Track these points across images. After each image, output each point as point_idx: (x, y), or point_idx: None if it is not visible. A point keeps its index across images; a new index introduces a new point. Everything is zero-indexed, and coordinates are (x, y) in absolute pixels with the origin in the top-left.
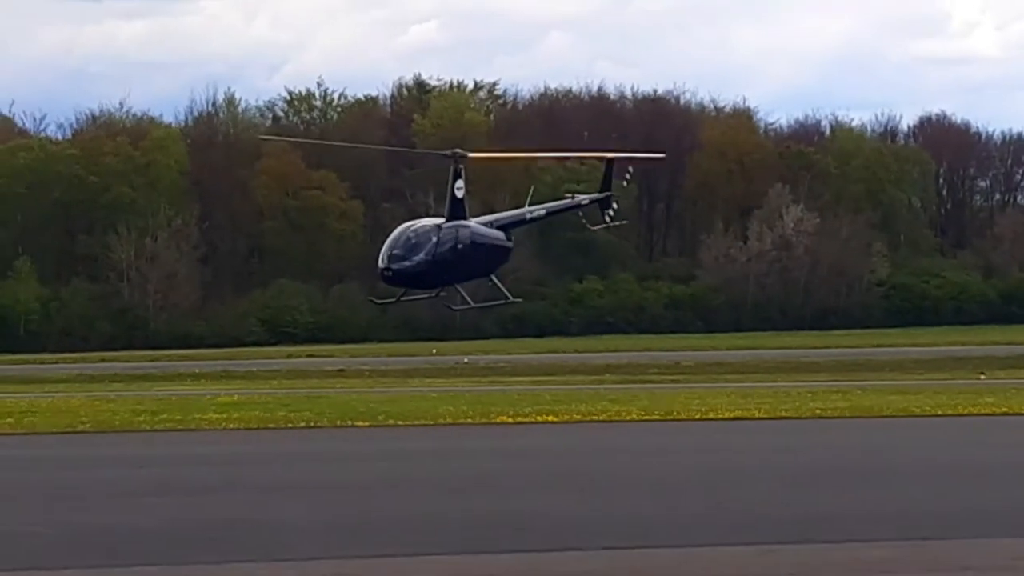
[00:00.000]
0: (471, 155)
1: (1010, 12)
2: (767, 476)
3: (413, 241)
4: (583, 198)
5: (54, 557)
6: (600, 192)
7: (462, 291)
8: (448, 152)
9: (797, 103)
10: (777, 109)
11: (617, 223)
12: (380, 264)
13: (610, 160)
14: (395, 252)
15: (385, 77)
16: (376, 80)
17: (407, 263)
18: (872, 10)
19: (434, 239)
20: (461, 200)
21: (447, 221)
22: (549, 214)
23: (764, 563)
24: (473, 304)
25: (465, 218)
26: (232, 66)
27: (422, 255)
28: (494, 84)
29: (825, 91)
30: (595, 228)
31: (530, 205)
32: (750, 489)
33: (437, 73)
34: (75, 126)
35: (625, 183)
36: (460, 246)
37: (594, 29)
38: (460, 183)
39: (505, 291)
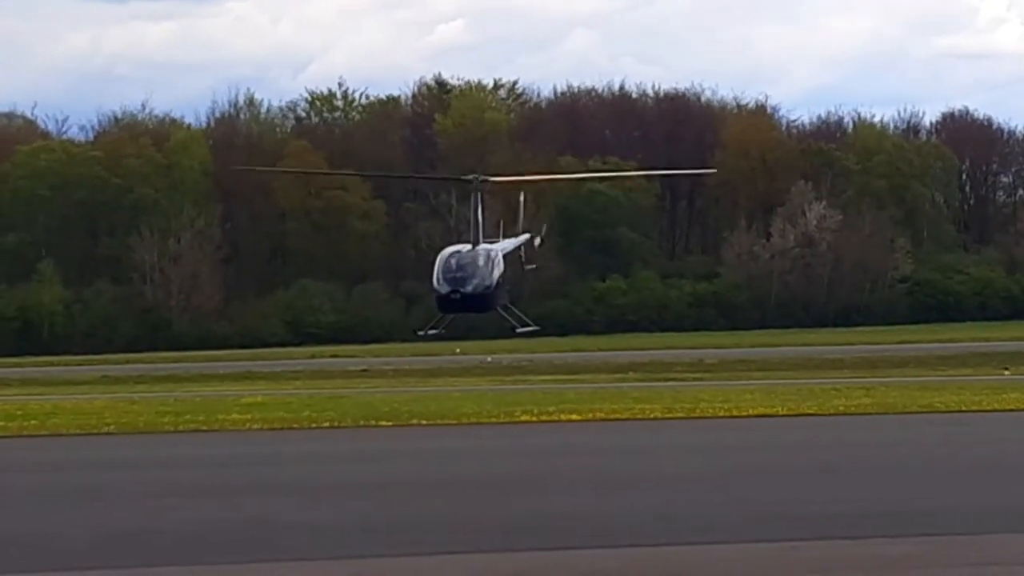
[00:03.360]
0: (492, 179)
1: None
2: (791, 473)
3: (473, 266)
4: (526, 237)
5: (80, 558)
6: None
7: (509, 316)
8: (470, 177)
9: (820, 100)
10: (800, 106)
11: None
12: (443, 289)
13: (521, 198)
14: (459, 276)
15: (410, 77)
16: (402, 80)
17: (471, 287)
18: (897, 6)
19: (483, 264)
20: (481, 224)
21: (475, 245)
22: (515, 249)
23: (788, 559)
24: (529, 327)
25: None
26: (257, 67)
27: (484, 279)
28: (514, 83)
29: (848, 88)
30: (527, 268)
31: (503, 237)
32: (774, 486)
33: (462, 72)
34: (97, 128)
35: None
36: (499, 272)
37: (618, 26)
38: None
39: (526, 319)
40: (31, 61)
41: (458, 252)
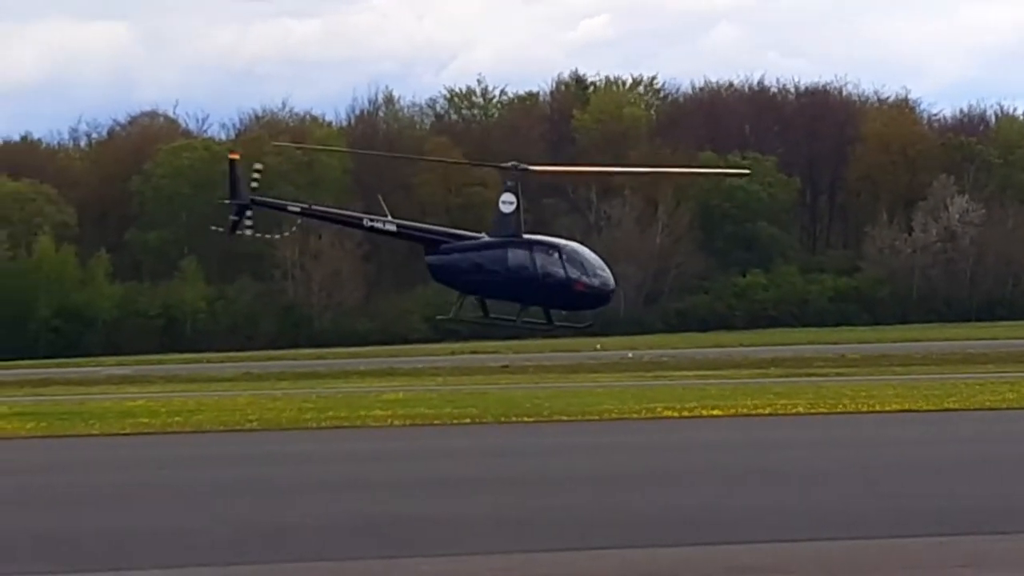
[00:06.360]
0: (532, 168)
1: None
2: (936, 468)
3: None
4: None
5: (221, 553)
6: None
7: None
8: (508, 164)
9: (963, 93)
10: (942, 100)
11: (258, 234)
12: (603, 286)
13: (232, 161)
14: (609, 272)
15: (552, 73)
16: (544, 76)
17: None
18: None
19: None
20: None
21: (519, 235)
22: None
23: (938, 554)
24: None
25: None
26: (400, 64)
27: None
28: (652, 78)
29: (991, 80)
30: (235, 234)
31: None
32: (920, 481)
33: (604, 68)
34: (238, 126)
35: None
36: None
37: (761, 20)
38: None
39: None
40: (175, 59)
41: (581, 250)
